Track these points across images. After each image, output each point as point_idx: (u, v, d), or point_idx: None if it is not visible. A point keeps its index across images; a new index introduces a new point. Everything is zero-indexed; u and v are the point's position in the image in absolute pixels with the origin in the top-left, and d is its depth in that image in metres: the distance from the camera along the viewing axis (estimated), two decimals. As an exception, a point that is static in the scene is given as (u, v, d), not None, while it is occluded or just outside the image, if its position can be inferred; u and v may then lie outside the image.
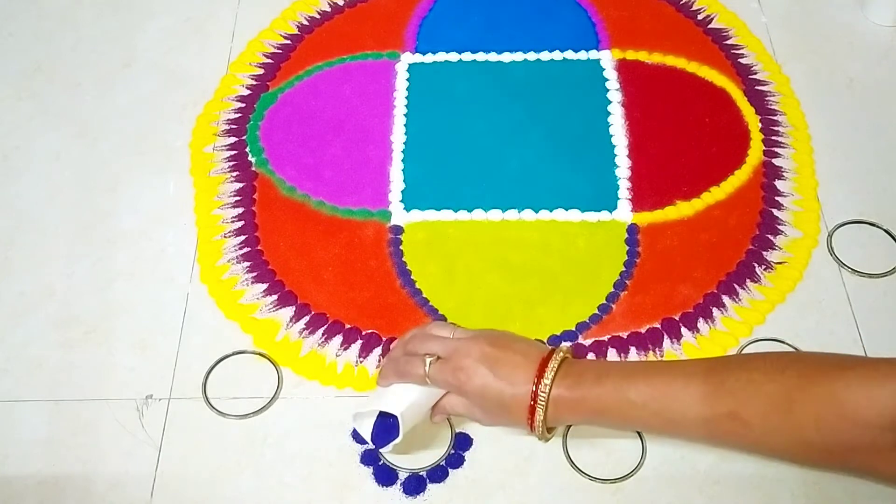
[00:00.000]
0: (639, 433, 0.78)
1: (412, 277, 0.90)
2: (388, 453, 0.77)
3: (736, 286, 0.89)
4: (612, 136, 1.00)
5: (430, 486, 0.76)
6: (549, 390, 0.68)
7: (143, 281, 0.90)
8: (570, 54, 1.08)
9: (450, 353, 0.72)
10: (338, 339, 0.86)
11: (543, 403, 0.68)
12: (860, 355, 0.81)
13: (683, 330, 0.86)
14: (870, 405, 0.59)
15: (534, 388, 0.68)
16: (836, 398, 0.60)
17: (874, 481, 0.67)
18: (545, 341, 0.85)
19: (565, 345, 0.76)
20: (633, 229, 0.93)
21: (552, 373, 0.68)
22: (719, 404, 0.64)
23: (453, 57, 1.09)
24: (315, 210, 0.95)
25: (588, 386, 0.68)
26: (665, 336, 0.85)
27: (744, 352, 0.84)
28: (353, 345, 0.85)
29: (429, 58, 1.09)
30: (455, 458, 0.78)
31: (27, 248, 0.93)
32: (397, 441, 0.72)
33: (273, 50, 1.11)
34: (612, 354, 0.84)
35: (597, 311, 0.87)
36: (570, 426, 0.78)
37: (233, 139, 1.02)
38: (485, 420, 0.73)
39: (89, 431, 0.80)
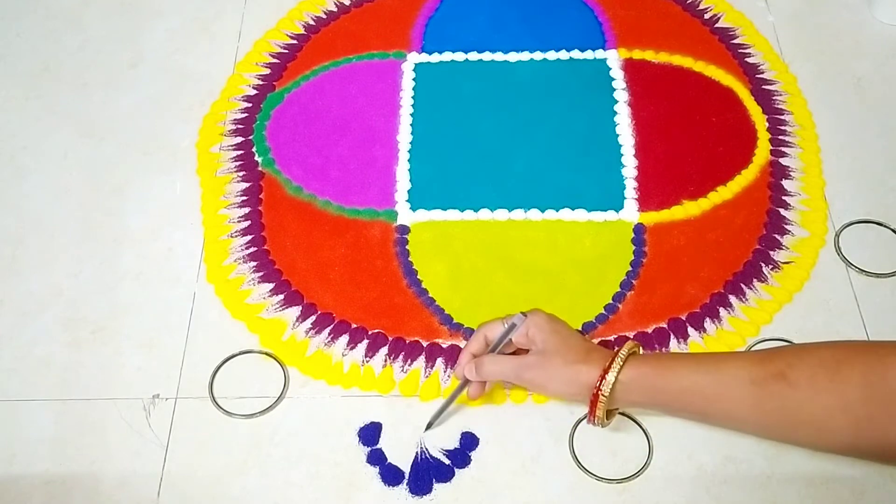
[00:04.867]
0: (647, 436, 0.78)
1: (418, 277, 0.90)
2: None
3: (743, 286, 0.88)
4: (618, 135, 1.00)
5: (437, 486, 0.76)
6: (624, 360, 0.72)
7: (150, 281, 0.90)
8: (576, 54, 1.08)
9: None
10: (344, 338, 0.86)
11: (621, 361, 0.71)
12: None
13: (690, 330, 0.86)
14: None
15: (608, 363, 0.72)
16: (884, 362, 0.63)
17: None
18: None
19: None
20: (639, 229, 0.93)
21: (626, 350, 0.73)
22: (769, 364, 0.68)
23: (459, 57, 1.09)
24: (321, 210, 0.95)
25: (648, 361, 0.73)
26: (672, 336, 0.85)
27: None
28: (359, 344, 0.85)
29: (435, 57, 1.09)
30: (461, 458, 0.78)
31: (34, 247, 0.93)
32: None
33: (279, 50, 1.11)
34: (618, 354, 0.84)
35: (603, 311, 0.87)
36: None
37: (239, 139, 1.02)
38: (536, 378, 0.75)
39: (96, 431, 0.80)
